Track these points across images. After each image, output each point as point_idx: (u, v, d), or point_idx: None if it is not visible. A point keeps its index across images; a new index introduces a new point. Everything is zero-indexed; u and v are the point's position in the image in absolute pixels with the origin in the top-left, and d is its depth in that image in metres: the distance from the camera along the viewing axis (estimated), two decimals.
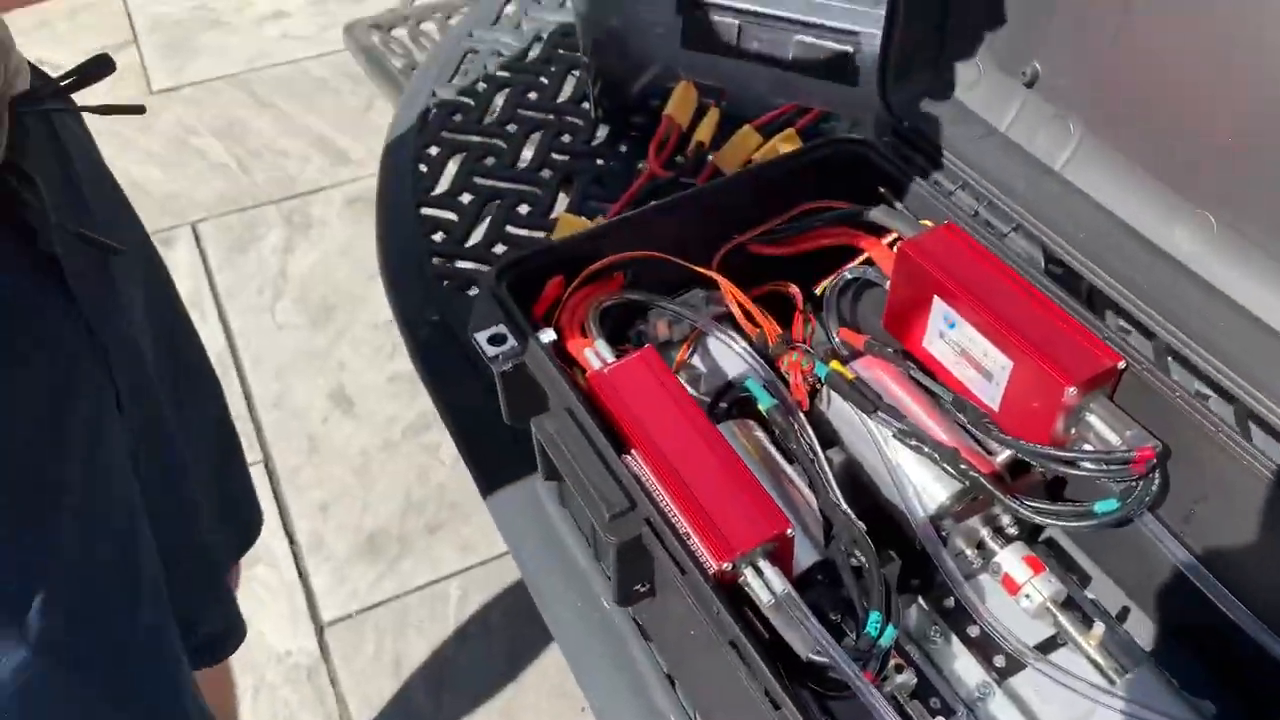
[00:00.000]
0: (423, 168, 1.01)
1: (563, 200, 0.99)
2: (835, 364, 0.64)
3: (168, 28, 2.60)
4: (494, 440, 0.73)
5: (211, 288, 1.97)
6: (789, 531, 0.52)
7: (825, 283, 0.71)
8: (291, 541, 1.61)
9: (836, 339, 0.69)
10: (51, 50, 2.29)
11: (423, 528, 1.62)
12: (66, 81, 0.63)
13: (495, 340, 0.61)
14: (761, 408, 0.62)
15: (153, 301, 0.77)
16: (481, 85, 1.11)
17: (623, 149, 1.02)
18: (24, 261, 0.59)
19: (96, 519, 0.64)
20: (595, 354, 0.62)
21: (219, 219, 2.11)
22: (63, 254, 0.60)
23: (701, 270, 0.68)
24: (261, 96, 2.39)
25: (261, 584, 1.54)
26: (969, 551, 0.62)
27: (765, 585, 0.51)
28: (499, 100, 1.09)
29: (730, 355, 0.67)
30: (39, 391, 0.60)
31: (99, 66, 0.63)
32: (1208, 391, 0.59)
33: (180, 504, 0.78)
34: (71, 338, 0.62)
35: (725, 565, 0.51)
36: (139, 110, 0.67)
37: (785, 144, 0.90)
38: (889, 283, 0.67)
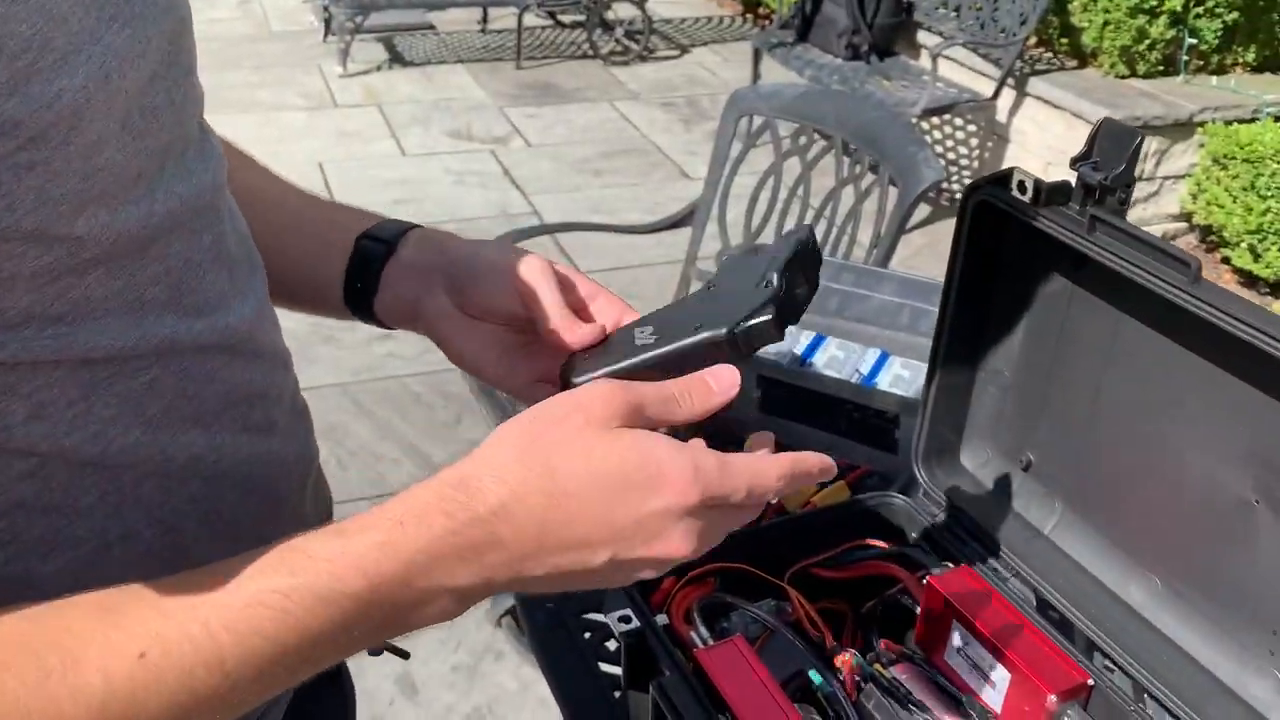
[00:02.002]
0: None
1: None
2: (878, 666, 0.84)
3: (287, 340, 2.99)
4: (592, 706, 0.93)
5: None
6: None
7: (870, 603, 0.92)
8: None
9: (879, 647, 0.89)
10: None
11: None
12: None
13: (624, 619, 0.82)
14: (820, 694, 0.82)
15: None
16: None
17: None
18: None
19: None
20: (697, 637, 0.83)
21: None
22: None
23: (776, 581, 0.89)
24: (364, 405, 2.72)
25: None
26: None
27: None
28: None
29: (795, 652, 0.87)
30: None
31: None
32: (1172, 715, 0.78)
33: None
34: None
35: None
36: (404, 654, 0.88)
37: (837, 492, 1.15)
38: (919, 607, 0.88)
